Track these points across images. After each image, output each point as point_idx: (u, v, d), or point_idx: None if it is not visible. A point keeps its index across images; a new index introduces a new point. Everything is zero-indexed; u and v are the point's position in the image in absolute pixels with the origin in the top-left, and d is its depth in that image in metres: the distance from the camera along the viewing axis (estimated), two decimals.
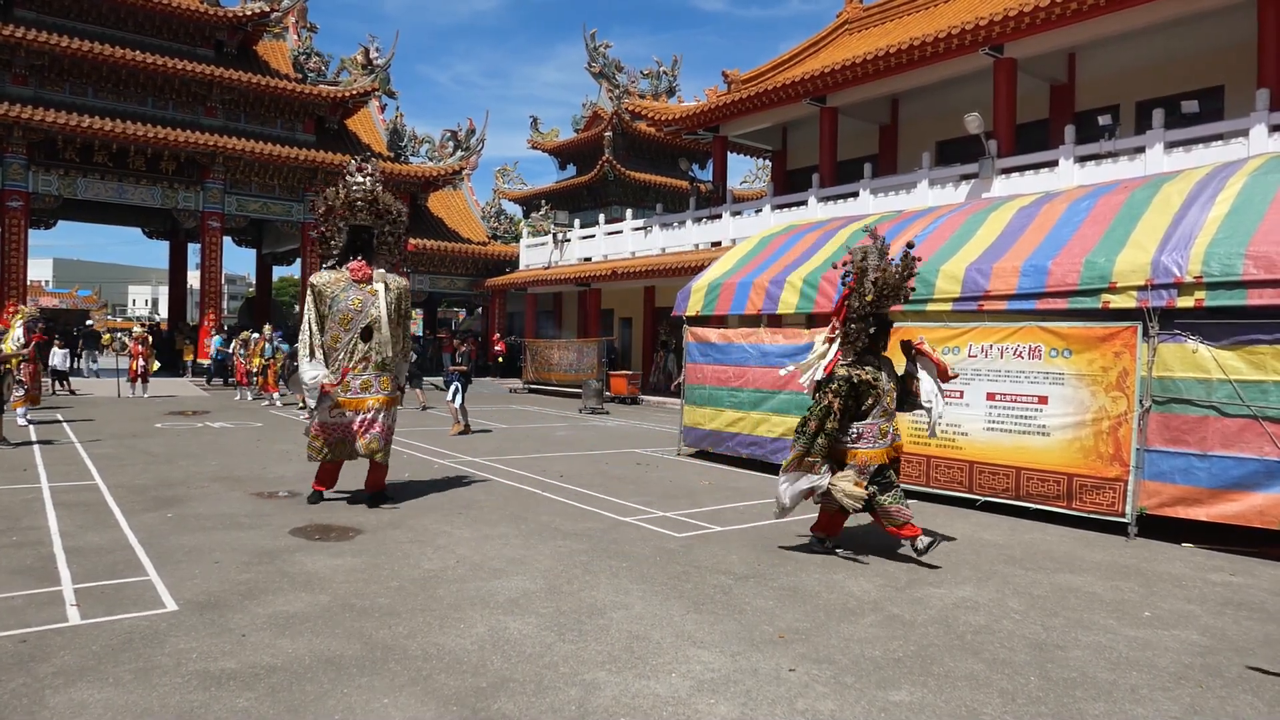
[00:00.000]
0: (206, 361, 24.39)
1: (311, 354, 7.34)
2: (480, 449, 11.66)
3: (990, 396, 7.89)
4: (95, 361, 25.28)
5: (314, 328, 7.37)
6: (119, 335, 28.21)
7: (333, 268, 7.57)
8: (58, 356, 20.17)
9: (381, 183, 7.73)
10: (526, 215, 35.24)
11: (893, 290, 5.94)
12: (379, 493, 7.59)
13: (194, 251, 29.42)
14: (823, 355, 6.01)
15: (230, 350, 20.79)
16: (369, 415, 7.37)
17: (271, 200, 26.27)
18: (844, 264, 6.05)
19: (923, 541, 5.72)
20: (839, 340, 6.00)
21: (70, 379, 20.66)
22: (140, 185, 24.00)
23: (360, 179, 7.50)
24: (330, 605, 4.63)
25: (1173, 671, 3.94)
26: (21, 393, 12.29)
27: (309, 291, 7.42)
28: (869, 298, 5.85)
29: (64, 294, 52.81)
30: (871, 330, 5.94)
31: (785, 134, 24.49)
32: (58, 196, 23.01)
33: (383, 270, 7.57)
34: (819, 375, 5.99)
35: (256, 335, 19.28)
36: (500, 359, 29.74)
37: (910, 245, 6.16)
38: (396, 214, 7.73)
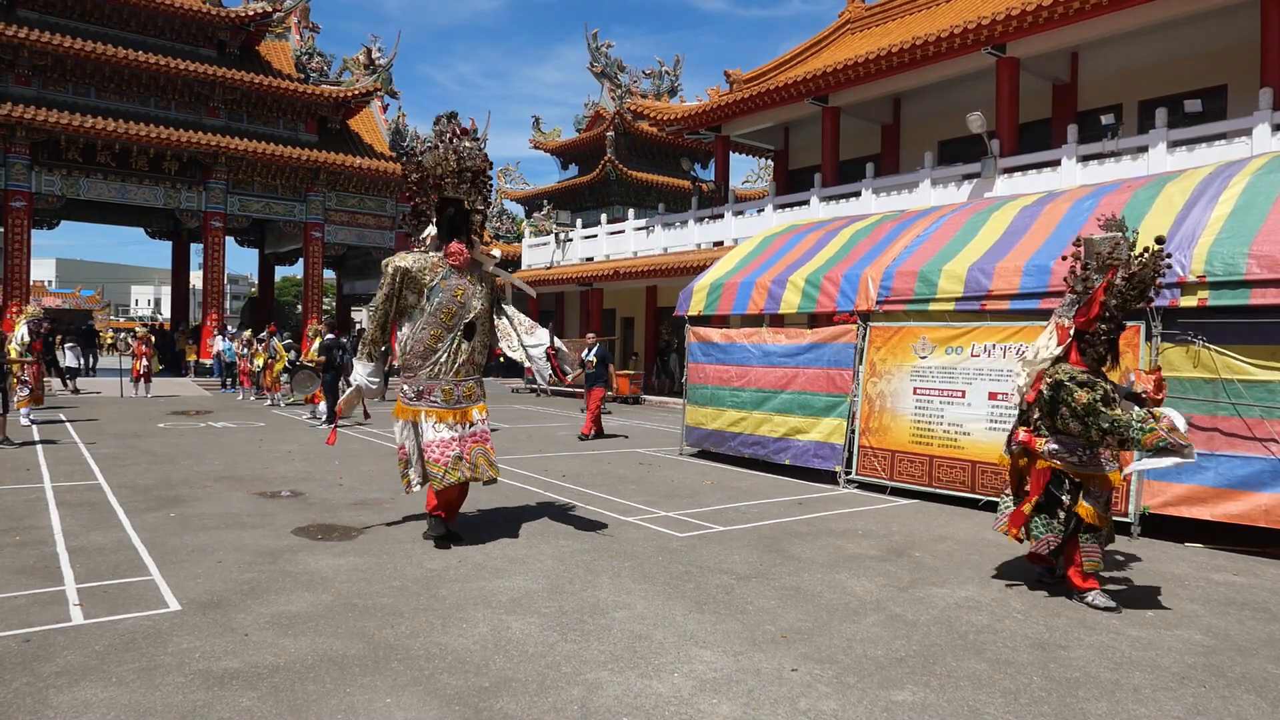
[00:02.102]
0: (209, 361, 24.44)
1: (371, 356, 6.27)
2: None
3: (993, 396, 7.89)
4: (95, 360, 25.42)
5: (384, 322, 6.17)
6: (123, 335, 28.33)
7: (424, 249, 6.30)
8: (69, 355, 20.29)
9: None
10: (528, 215, 35.24)
11: (1142, 291, 5.08)
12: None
13: (196, 251, 29.50)
14: (1050, 356, 5.13)
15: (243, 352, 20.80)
16: (479, 429, 6.23)
17: (274, 200, 26.31)
18: (1076, 255, 5.23)
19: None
20: (1074, 341, 5.13)
21: (75, 378, 20.77)
22: (143, 185, 24.05)
23: (468, 144, 6.16)
24: (333, 605, 4.63)
25: (1175, 671, 3.94)
26: (27, 393, 12.30)
27: (392, 277, 6.02)
28: (1125, 296, 5.02)
29: (67, 294, 52.89)
30: (1113, 336, 5.15)
31: (787, 134, 24.47)
32: (60, 196, 23.07)
33: (481, 255, 6.36)
34: (1026, 380, 5.21)
35: (260, 335, 19.35)
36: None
37: (1160, 240, 5.16)
38: (489, 192, 6.53)
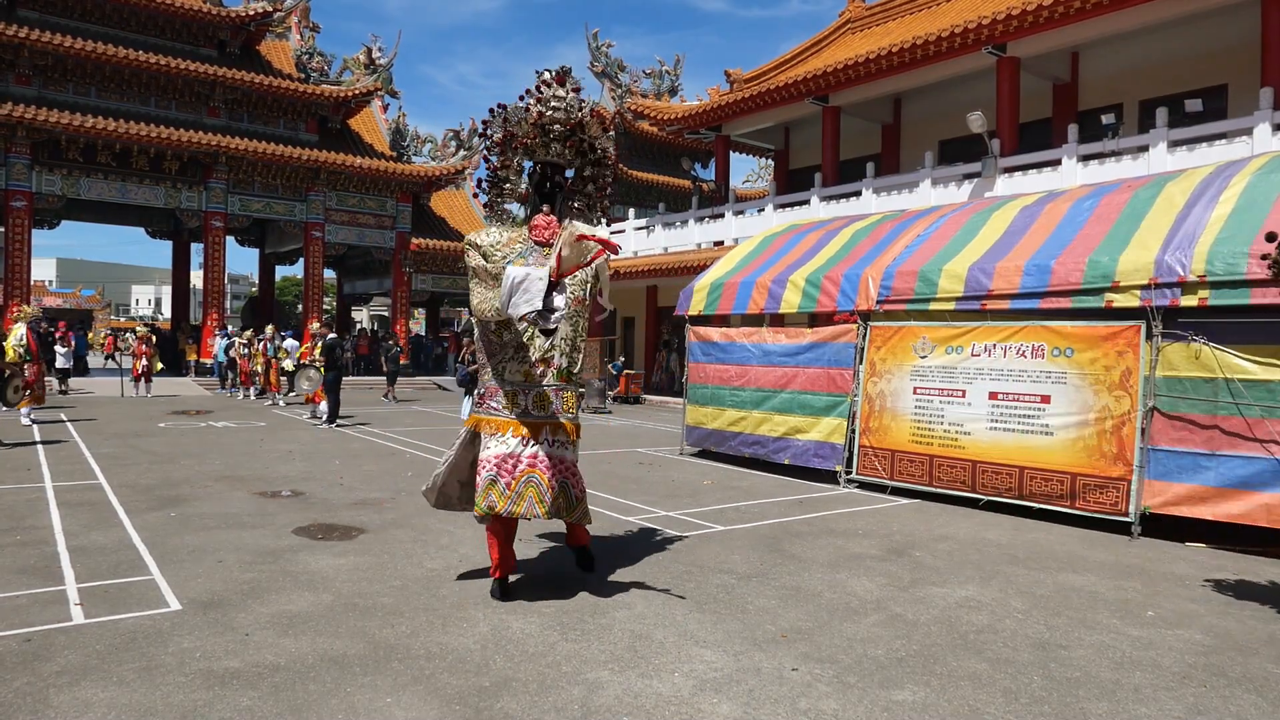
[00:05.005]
0: (210, 361, 24.43)
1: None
2: None
3: (993, 396, 7.89)
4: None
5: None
6: (125, 335, 28.35)
7: (512, 220, 5.31)
8: (60, 356, 20.25)
9: (593, 107, 5.28)
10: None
11: None
12: (583, 548, 5.33)
13: (197, 251, 29.46)
14: None
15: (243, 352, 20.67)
16: (552, 449, 4.92)
17: (274, 200, 26.30)
18: None
19: None
20: None
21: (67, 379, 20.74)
22: (143, 185, 24.04)
23: (561, 92, 5.11)
24: (333, 604, 4.63)
25: (1176, 671, 3.94)
26: (29, 393, 12.28)
27: (469, 253, 5.04)
28: None
29: (68, 294, 52.93)
30: None
31: (788, 133, 24.47)
32: (61, 196, 23.06)
33: (578, 226, 4.81)
34: None
35: (260, 335, 19.36)
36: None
37: None
38: (603, 154, 5.44)
